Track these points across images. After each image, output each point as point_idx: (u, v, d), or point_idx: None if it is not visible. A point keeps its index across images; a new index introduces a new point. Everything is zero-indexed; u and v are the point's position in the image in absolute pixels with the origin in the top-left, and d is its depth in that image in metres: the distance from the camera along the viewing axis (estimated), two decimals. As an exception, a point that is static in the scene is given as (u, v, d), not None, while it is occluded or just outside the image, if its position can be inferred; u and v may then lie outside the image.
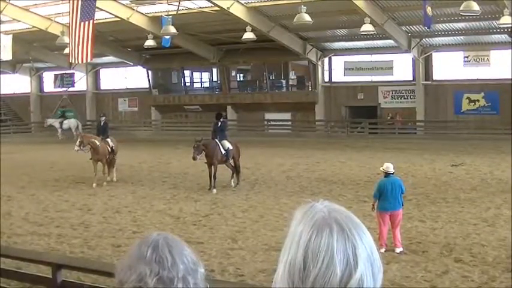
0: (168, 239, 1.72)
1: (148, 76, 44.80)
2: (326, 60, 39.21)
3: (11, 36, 36.64)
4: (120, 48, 43.01)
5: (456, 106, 35.34)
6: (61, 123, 42.31)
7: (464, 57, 34.73)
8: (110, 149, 21.14)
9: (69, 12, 24.87)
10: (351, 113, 39.15)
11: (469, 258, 10.89)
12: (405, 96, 37.00)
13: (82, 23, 24.34)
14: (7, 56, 36.78)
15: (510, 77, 32.24)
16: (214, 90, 44.23)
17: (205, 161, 19.14)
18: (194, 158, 18.97)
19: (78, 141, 20.46)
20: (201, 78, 47.06)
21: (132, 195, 18.41)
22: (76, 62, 26.80)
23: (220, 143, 19.39)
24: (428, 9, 26.42)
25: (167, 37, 32.41)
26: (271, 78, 41.35)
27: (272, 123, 41.61)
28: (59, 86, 49.63)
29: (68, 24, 26.54)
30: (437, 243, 11.93)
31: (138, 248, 1.67)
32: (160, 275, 1.61)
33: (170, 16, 30.58)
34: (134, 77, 46.13)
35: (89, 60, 26.26)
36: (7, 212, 15.97)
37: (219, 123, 19.88)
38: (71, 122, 42.50)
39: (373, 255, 1.48)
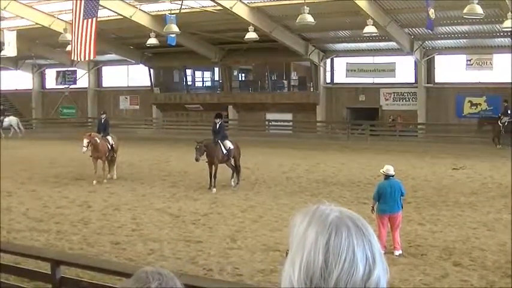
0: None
1: (150, 74, 44.81)
2: (328, 61, 39.19)
3: (15, 32, 36.69)
4: (122, 46, 43.02)
5: (458, 109, 35.32)
6: (1, 121, 40.84)
7: (467, 60, 34.71)
8: (110, 146, 21.16)
9: (72, 9, 24.89)
10: (352, 114, 39.14)
11: (468, 262, 10.88)
12: (407, 99, 36.98)
13: (85, 21, 24.36)
14: (12, 52, 36.86)
15: (512, 81, 32.23)
16: (216, 90, 44.23)
17: (207, 161, 19.18)
18: (197, 160, 19.02)
19: (85, 142, 20.33)
20: (203, 77, 47.05)
21: (132, 193, 18.42)
22: (78, 59, 26.79)
23: (221, 142, 19.47)
24: (431, 12, 26.38)
25: (172, 35, 32.36)
26: (272, 78, 41.32)
27: (273, 123, 41.60)
28: (60, 83, 49.65)
29: (70, 22, 26.56)
30: (437, 247, 11.92)
31: (137, 272, 1.78)
32: (160, 281, 1.69)
33: (174, 14, 30.58)
34: (136, 75, 46.15)
35: (92, 57, 26.30)
36: (7, 207, 15.98)
37: (217, 125, 19.96)
38: (11, 120, 41.34)
39: (382, 254, 1.53)
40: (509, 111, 31.79)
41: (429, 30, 28.89)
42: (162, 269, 1.77)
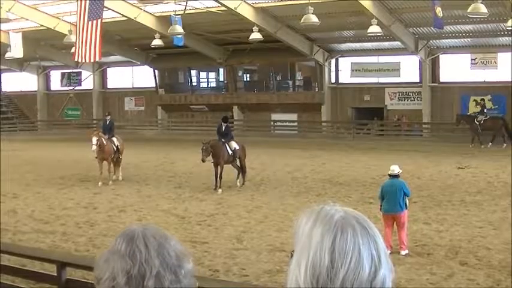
0: (148, 231, 1.60)
1: (155, 75, 44.83)
2: (333, 61, 39.14)
3: (21, 34, 36.81)
4: (127, 47, 43.05)
5: (463, 108, 35.22)
6: None
7: (472, 59, 34.63)
8: (115, 148, 21.17)
9: (77, 11, 24.91)
10: (357, 114, 39.10)
11: (474, 261, 10.86)
12: (412, 98, 36.92)
13: (90, 22, 24.39)
14: (18, 53, 37.00)
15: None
16: (221, 90, 44.22)
17: (212, 161, 19.20)
18: (203, 160, 19.05)
19: (94, 140, 20.28)
20: (208, 78, 47.06)
21: (138, 194, 18.44)
22: (83, 60, 26.84)
23: (227, 143, 19.50)
24: (438, 10, 26.29)
25: (179, 36, 32.36)
26: (277, 78, 41.32)
27: (278, 123, 41.59)
28: (65, 85, 49.73)
29: (75, 23, 26.59)
30: (443, 246, 11.90)
31: (115, 241, 1.59)
32: (130, 272, 1.52)
33: (179, 16, 30.59)
34: (141, 76, 46.20)
35: (97, 59, 26.32)
36: (12, 209, 16.02)
37: (223, 127, 20.00)
38: None
39: (387, 254, 1.54)
40: (485, 110, 31.90)
41: (436, 29, 28.81)
42: (145, 240, 1.54)
